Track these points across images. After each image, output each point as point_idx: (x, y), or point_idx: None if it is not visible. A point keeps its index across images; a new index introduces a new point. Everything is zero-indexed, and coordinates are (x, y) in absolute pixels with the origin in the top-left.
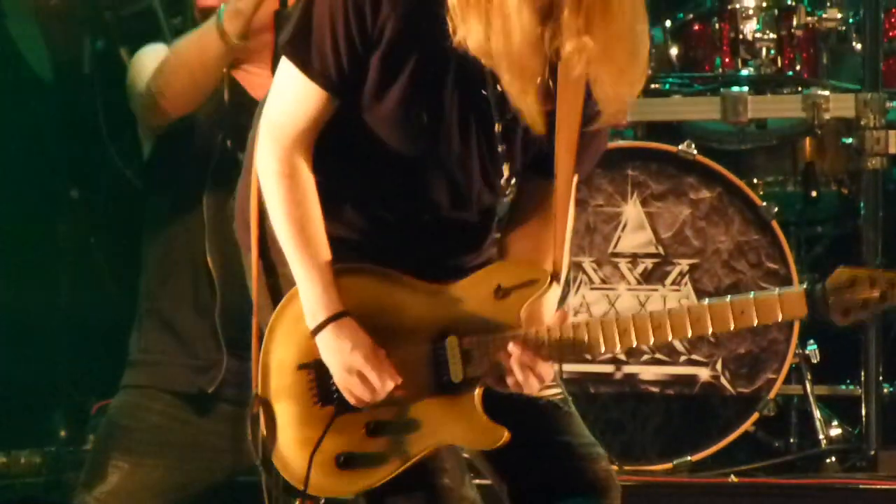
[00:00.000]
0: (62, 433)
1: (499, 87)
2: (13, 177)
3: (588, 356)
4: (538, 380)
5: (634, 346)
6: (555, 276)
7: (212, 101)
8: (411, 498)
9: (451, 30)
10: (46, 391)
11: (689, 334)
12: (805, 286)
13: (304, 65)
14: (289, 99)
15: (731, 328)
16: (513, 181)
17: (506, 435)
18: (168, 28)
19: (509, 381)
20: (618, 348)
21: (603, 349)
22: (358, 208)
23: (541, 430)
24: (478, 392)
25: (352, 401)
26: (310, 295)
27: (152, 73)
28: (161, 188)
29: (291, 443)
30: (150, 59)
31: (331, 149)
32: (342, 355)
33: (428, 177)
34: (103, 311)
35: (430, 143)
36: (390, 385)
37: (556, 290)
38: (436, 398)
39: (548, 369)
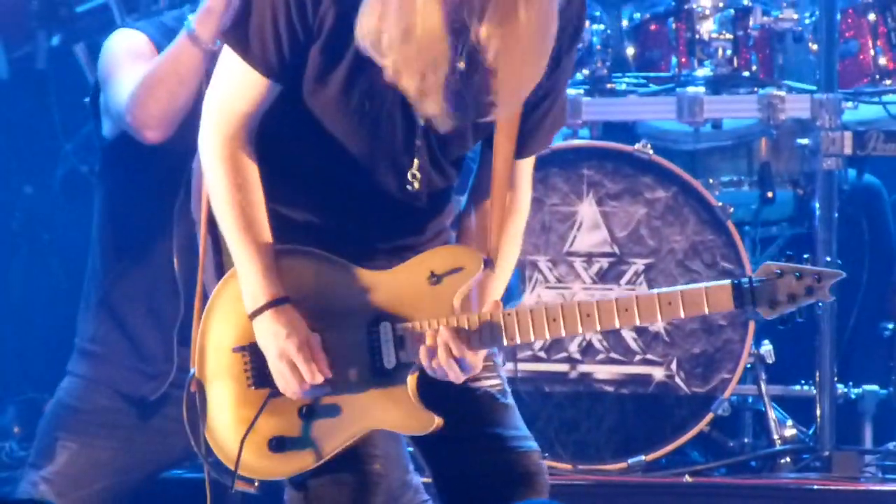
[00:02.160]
0: (15, 429)
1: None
2: None
3: (516, 343)
4: (464, 368)
5: (563, 335)
6: (488, 263)
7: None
8: (339, 482)
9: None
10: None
11: (618, 324)
12: (732, 280)
13: (244, 51)
14: (230, 85)
15: (659, 319)
16: (418, 175)
17: (437, 421)
18: (123, 24)
19: (434, 365)
20: (547, 336)
21: (532, 337)
22: (302, 191)
23: (473, 420)
24: (411, 378)
25: (281, 387)
26: (250, 278)
27: (127, 102)
28: (122, 184)
29: (226, 424)
30: (128, 80)
31: (276, 133)
32: (277, 340)
33: (371, 161)
34: (56, 306)
35: (372, 128)
36: (319, 378)
37: (498, 277)
38: (370, 383)
39: (473, 358)
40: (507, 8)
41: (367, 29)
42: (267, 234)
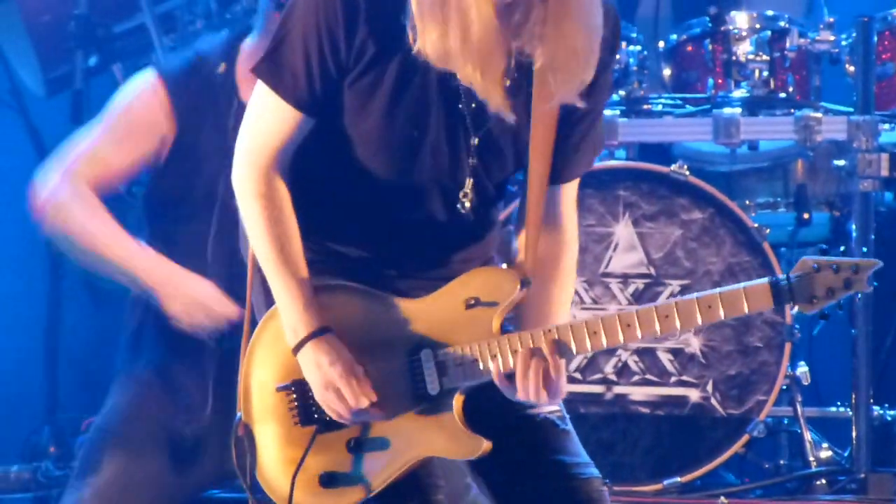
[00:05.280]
0: (51, 449)
1: (473, 105)
2: (9, 195)
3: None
4: (553, 390)
5: (605, 346)
6: (524, 283)
7: (219, 133)
8: None
9: (411, 39)
10: (36, 407)
11: (659, 331)
12: (770, 278)
13: (276, 85)
14: (263, 119)
15: (699, 323)
16: (470, 193)
17: (485, 444)
18: (160, 45)
19: (520, 391)
20: (588, 349)
21: (575, 352)
22: (344, 222)
23: (534, 447)
24: (457, 403)
25: (333, 415)
26: (290, 312)
27: (49, 192)
28: (161, 216)
29: (275, 463)
30: (94, 150)
31: (317, 165)
32: (321, 371)
33: (416, 187)
34: (87, 326)
35: (417, 152)
36: (365, 402)
37: (555, 307)
38: (415, 411)
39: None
40: (557, 11)
41: (432, 41)
42: (304, 268)
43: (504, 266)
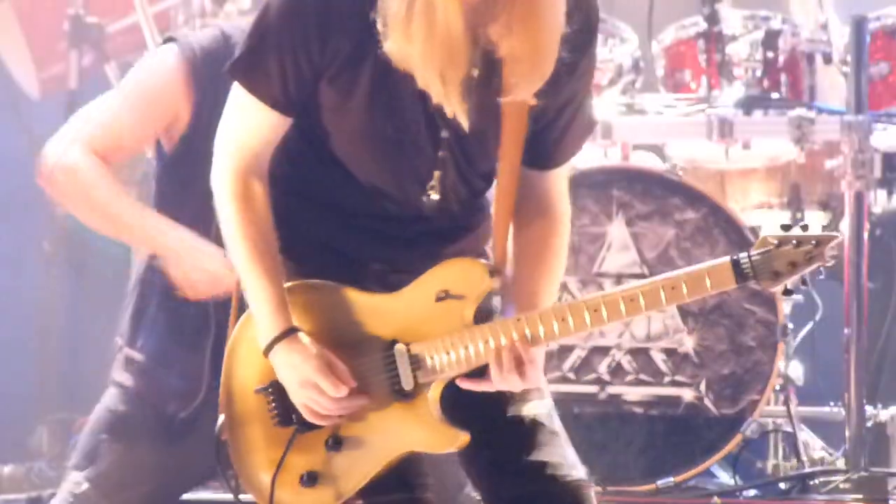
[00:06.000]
0: (45, 449)
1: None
2: (3, 195)
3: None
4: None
5: (573, 332)
6: (495, 271)
7: None
8: None
9: (379, 39)
10: (30, 406)
11: (625, 314)
12: (731, 256)
13: (251, 85)
14: (240, 119)
15: (664, 304)
16: (437, 186)
17: (463, 436)
18: (154, 44)
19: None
20: (556, 335)
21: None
22: (325, 217)
23: (521, 448)
24: (432, 396)
25: (310, 416)
26: (262, 313)
27: (58, 159)
28: (167, 203)
29: (258, 464)
30: (108, 126)
31: (298, 163)
32: (294, 370)
33: (398, 181)
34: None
35: (397, 147)
36: (344, 390)
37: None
38: (392, 406)
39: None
40: (523, 9)
41: (396, 44)
42: (278, 269)
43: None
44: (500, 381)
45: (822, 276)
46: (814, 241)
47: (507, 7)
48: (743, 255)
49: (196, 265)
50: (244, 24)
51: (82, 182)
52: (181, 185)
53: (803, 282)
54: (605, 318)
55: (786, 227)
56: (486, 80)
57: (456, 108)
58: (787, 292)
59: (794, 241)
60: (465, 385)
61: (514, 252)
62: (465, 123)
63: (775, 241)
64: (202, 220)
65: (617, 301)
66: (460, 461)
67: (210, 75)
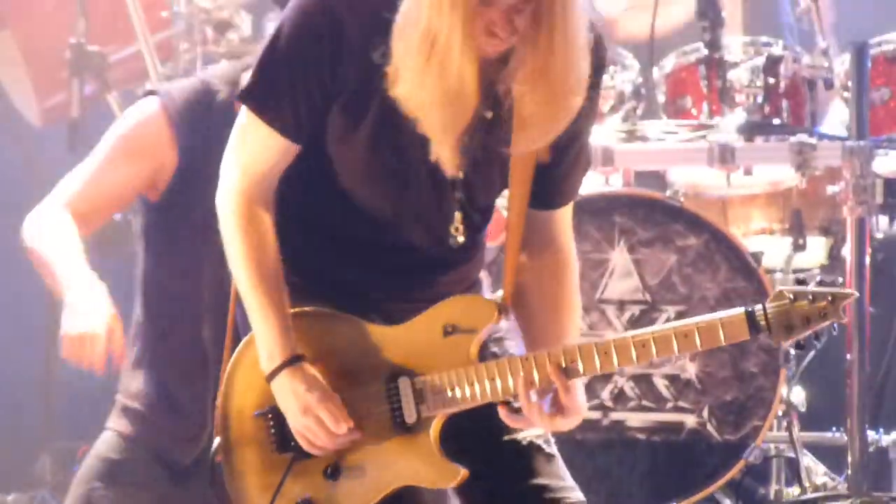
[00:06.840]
0: (49, 478)
1: None
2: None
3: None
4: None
5: (582, 374)
6: (502, 310)
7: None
8: None
9: (387, 81)
10: (34, 434)
11: (636, 361)
12: (746, 308)
13: (261, 111)
14: (248, 145)
15: (676, 352)
16: (461, 227)
17: (462, 472)
18: (156, 73)
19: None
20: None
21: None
22: (328, 249)
23: (519, 472)
24: (433, 431)
25: (306, 446)
26: (266, 338)
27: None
28: (157, 251)
29: (254, 489)
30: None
31: (303, 192)
32: (297, 398)
33: (400, 217)
34: None
35: (400, 184)
36: (344, 428)
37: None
38: (392, 439)
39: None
40: (539, 59)
41: (405, 90)
42: (283, 295)
43: (485, 293)
44: (533, 419)
45: (835, 332)
46: (829, 297)
47: (523, 62)
48: (758, 307)
49: (65, 327)
50: (221, 72)
51: (36, 240)
52: (170, 233)
53: (816, 337)
54: (615, 364)
55: (801, 282)
56: (497, 123)
57: (444, 155)
58: (798, 346)
59: (810, 297)
60: (508, 420)
61: (527, 293)
62: (448, 171)
63: (791, 296)
64: (195, 266)
65: (628, 346)
66: (455, 491)
67: (192, 123)
